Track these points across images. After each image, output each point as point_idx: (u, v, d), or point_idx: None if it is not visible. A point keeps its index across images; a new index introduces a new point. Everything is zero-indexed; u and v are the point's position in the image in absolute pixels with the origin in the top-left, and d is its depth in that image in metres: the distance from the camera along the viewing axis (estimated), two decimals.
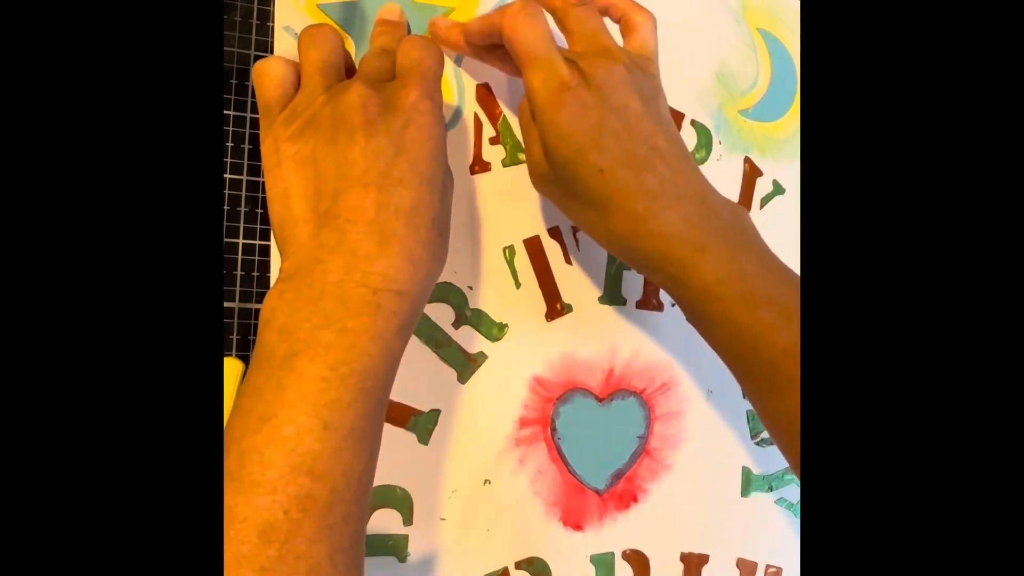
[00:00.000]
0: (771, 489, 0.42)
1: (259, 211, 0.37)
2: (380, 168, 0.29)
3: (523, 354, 0.40)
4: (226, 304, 0.36)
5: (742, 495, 0.42)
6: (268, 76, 0.32)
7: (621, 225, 0.32)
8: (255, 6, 0.38)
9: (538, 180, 0.35)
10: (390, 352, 0.29)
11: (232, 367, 0.36)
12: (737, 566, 0.42)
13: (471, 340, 0.39)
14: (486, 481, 0.39)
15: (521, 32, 0.32)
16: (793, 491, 0.42)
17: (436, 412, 0.38)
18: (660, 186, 0.32)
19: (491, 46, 0.36)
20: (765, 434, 0.43)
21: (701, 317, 0.33)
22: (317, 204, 0.29)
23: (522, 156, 0.40)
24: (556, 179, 0.33)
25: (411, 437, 0.38)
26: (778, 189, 0.45)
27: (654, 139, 0.32)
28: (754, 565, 0.42)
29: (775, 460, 0.43)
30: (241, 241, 0.37)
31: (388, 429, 0.38)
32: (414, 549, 0.37)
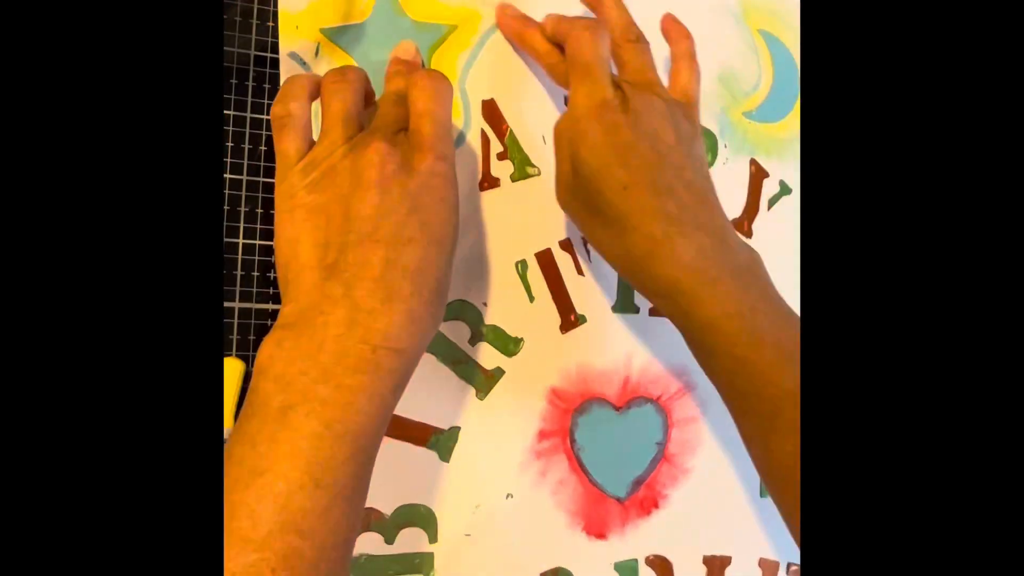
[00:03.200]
0: None
1: (259, 211, 0.37)
2: (391, 226, 0.29)
3: (539, 367, 0.39)
4: (226, 304, 0.36)
5: (761, 496, 0.42)
6: (288, 127, 0.31)
7: (638, 244, 0.32)
8: (255, 6, 0.37)
9: (564, 193, 0.35)
10: (384, 410, 0.29)
11: (232, 367, 0.35)
12: (759, 566, 0.42)
13: (488, 356, 0.39)
14: (508, 495, 0.38)
15: (584, 46, 0.34)
16: None
17: (456, 429, 0.38)
18: (680, 212, 0.32)
19: (548, 50, 0.38)
20: None
21: (705, 350, 0.33)
22: (324, 255, 0.29)
23: (530, 170, 0.40)
24: (581, 192, 0.34)
25: (432, 455, 0.37)
26: (784, 189, 0.45)
27: (682, 170, 0.33)
28: (776, 564, 0.42)
29: None
30: (241, 241, 0.36)
31: (409, 448, 0.37)
32: (440, 566, 0.37)
